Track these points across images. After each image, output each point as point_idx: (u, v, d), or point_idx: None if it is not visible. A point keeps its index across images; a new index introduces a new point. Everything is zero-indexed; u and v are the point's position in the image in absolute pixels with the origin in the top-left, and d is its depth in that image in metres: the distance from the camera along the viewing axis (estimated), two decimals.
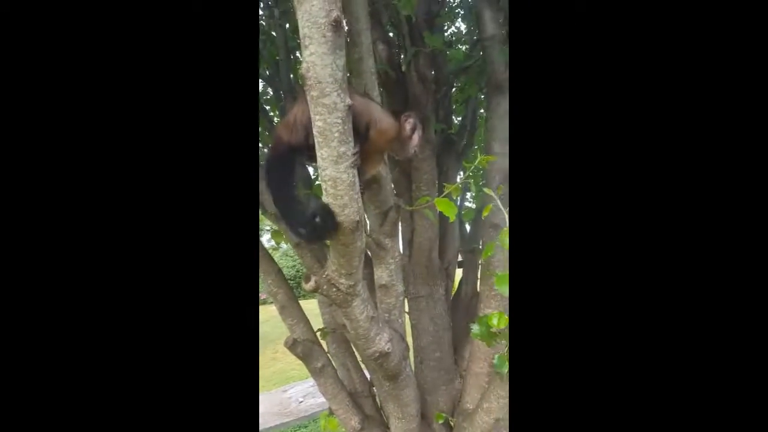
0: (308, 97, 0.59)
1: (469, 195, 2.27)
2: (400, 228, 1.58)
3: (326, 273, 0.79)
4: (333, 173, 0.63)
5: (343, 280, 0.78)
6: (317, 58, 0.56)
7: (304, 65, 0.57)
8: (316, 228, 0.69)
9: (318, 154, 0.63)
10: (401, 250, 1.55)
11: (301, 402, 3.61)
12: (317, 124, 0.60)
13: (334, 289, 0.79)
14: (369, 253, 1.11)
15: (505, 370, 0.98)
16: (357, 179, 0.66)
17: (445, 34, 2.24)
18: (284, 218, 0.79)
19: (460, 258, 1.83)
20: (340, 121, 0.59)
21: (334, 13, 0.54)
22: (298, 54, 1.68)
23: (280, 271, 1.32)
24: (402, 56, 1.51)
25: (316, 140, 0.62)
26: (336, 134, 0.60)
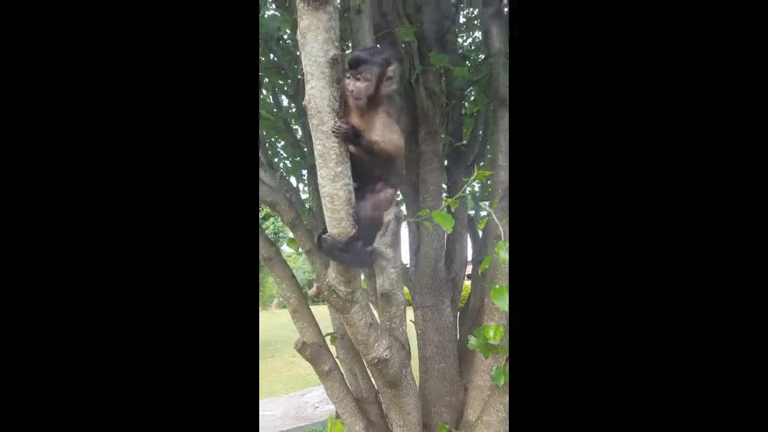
0: (310, 124, 0.66)
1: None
2: (406, 238, 1.62)
3: (327, 280, 0.85)
4: (330, 190, 0.70)
5: (342, 287, 0.83)
6: (317, 92, 0.63)
7: (306, 97, 0.64)
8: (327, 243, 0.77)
9: (318, 174, 0.70)
10: (408, 261, 1.60)
11: (317, 408, 3.67)
12: (317, 148, 0.67)
13: (334, 296, 0.85)
14: None
15: (502, 382, 1.00)
16: (353, 195, 0.72)
17: (464, 43, 2.29)
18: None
19: (470, 269, 1.85)
20: (336, 144, 0.66)
21: (332, 52, 0.61)
22: None
23: (293, 276, 1.40)
24: (412, 70, 1.57)
25: (316, 161, 0.69)
26: (333, 156, 0.67)
